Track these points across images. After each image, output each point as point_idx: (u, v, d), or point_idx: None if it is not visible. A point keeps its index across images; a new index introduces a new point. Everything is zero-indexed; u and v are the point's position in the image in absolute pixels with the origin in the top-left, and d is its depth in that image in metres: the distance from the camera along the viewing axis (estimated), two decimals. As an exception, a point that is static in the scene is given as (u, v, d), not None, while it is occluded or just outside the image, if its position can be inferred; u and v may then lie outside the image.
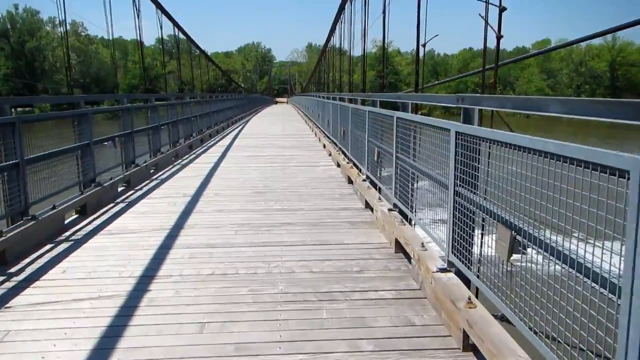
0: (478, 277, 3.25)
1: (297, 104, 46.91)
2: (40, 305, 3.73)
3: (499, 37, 4.41)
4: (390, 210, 5.49)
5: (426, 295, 3.79)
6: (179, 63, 22.20)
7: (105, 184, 7.22)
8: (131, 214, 6.57)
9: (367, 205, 6.51)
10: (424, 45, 6.05)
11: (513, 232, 2.60)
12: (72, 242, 5.32)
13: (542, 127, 40.86)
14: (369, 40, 19.12)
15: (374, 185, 6.81)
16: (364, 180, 7.18)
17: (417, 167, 4.72)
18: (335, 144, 11.62)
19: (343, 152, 10.04)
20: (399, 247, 4.83)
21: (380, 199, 6.05)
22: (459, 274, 3.57)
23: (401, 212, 5.33)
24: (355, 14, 15.37)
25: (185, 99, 14.88)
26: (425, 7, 5.99)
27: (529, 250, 2.50)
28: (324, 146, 13.69)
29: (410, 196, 5.09)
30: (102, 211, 6.67)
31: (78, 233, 5.69)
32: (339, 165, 9.88)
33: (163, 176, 9.57)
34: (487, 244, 3.08)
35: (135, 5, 12.38)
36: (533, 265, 2.52)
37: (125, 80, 72.24)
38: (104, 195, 7.10)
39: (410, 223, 5.19)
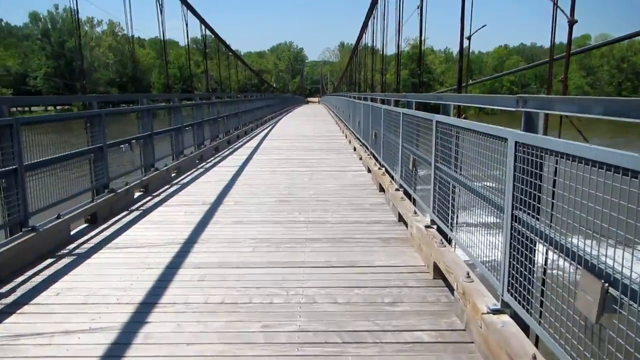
0: (540, 323, 2.58)
1: (328, 104, 46.25)
2: (22, 338, 3.22)
3: (571, 23, 3.62)
4: (427, 227, 4.82)
5: (474, 340, 3.11)
6: (206, 63, 21.83)
7: (119, 190, 6.77)
8: (144, 225, 6.08)
9: (401, 219, 5.85)
10: (468, 38, 5.33)
11: (604, 282, 1.91)
12: (75, 257, 4.84)
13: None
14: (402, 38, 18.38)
15: (408, 195, 6.14)
16: (397, 189, 6.51)
17: (461, 181, 4.04)
18: (366, 147, 10.94)
19: (374, 157, 9.37)
20: (438, 273, 4.15)
21: (415, 212, 5.38)
22: (515, 317, 2.89)
23: (440, 230, 4.66)
24: (388, 11, 14.62)
25: (211, 99, 14.37)
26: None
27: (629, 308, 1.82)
28: (355, 149, 12.92)
29: (450, 212, 4.42)
30: (113, 220, 6.20)
31: (83, 246, 5.21)
32: (369, 171, 9.18)
33: (184, 180, 9.09)
34: (555, 284, 2.41)
35: (159, 2, 11.90)
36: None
37: (160, 79, 73.02)
38: (117, 202, 6.65)
39: (450, 243, 4.51)
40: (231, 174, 9.61)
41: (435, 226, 4.81)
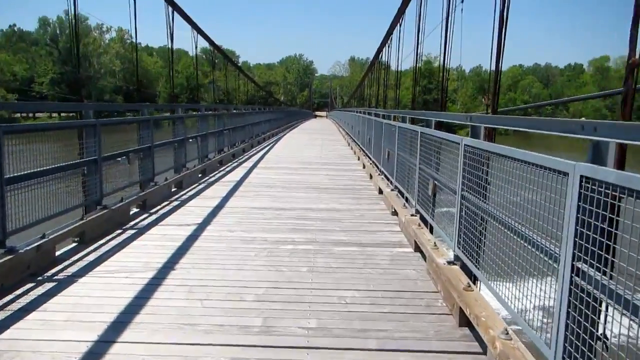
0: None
1: (337, 119, 45.81)
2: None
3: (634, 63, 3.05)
4: (450, 262, 4.30)
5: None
6: (213, 72, 21.50)
7: (113, 207, 6.27)
8: (134, 247, 5.57)
9: (418, 249, 5.33)
10: (498, 58, 4.81)
11: None
12: (41, 294, 4.10)
13: None
14: (412, 56, 17.92)
15: (424, 221, 5.63)
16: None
17: (497, 216, 3.52)
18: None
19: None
20: (465, 321, 3.62)
21: (435, 244, 4.85)
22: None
23: (464, 268, 4.14)
24: (404, 29, 14.16)
25: (200, 110, 13.34)
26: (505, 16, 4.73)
27: None
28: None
29: (477, 248, 3.90)
30: (105, 239, 5.70)
31: (67, 270, 4.70)
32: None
33: (185, 196, 8.61)
34: None
35: (168, 11, 11.53)
36: None
37: (167, 89, 73.02)
38: (110, 220, 6.15)
39: (475, 283, 3.99)
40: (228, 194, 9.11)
41: (459, 263, 4.29)
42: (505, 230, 3.32)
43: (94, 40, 74.13)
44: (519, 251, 3.08)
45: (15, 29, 78.65)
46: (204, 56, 37.09)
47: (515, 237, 3.15)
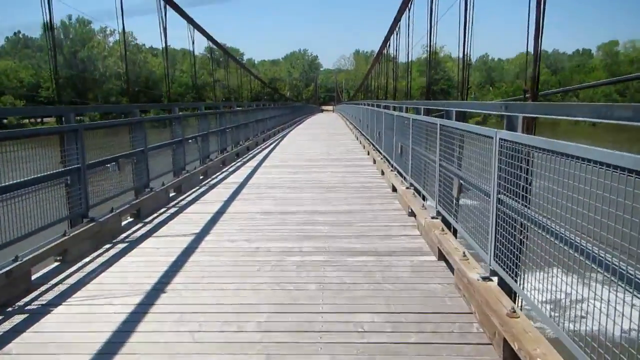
0: None
1: (344, 113, 45.02)
2: None
3: None
4: (485, 278, 3.65)
5: None
6: (212, 66, 20.81)
7: (101, 219, 5.68)
8: (121, 266, 4.96)
9: (441, 257, 4.69)
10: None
11: None
12: (7, 330, 3.49)
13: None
14: (419, 45, 17.16)
15: (447, 224, 4.98)
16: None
17: (539, 222, 2.86)
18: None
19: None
20: (510, 354, 2.97)
21: (464, 254, 4.20)
22: None
23: (503, 284, 3.49)
24: (413, 13, 13.45)
25: (200, 109, 12.43)
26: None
27: None
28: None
29: (516, 259, 3.26)
30: (88, 259, 5.09)
31: (36, 302, 4.02)
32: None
33: (183, 202, 8.01)
34: None
35: (160, 11, 10.94)
36: None
37: (172, 89, 72.44)
38: (99, 233, 5.55)
39: (514, 300, 3.36)
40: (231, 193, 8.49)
41: (495, 278, 3.64)
42: (556, 242, 2.67)
43: (99, 43, 73.77)
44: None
45: (20, 35, 78.55)
46: (208, 55, 36.55)
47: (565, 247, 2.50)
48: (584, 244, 2.46)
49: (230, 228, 6.24)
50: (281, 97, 77.30)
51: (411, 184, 7.39)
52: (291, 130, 30.16)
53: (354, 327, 3.49)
